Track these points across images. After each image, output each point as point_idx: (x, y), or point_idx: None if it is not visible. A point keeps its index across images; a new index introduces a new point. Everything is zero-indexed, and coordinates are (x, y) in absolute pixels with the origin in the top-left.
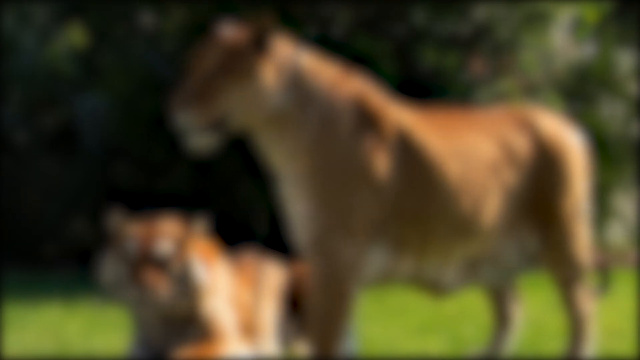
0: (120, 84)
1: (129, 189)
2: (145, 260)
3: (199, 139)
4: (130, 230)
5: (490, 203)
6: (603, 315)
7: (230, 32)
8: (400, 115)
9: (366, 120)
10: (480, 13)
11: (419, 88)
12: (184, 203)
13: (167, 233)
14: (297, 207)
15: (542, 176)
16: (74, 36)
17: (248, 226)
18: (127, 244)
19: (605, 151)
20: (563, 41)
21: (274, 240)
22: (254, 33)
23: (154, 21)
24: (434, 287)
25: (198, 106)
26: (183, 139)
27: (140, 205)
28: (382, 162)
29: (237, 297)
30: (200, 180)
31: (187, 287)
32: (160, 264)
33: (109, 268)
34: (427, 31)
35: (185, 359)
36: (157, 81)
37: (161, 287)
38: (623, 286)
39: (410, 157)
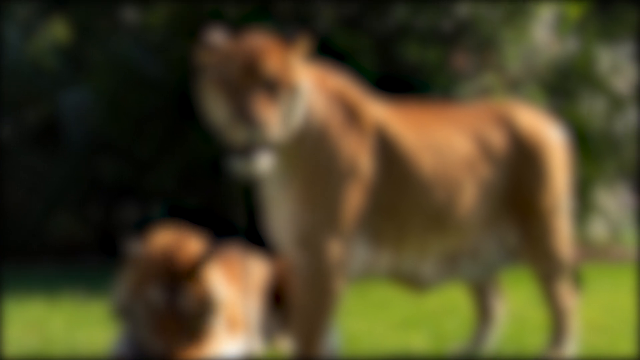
0: (104, 79)
1: (114, 184)
2: (170, 314)
3: (258, 161)
4: (152, 275)
5: (466, 197)
6: (584, 311)
7: (223, 39)
8: (377, 110)
9: (348, 116)
10: (463, 9)
11: (402, 83)
12: (167, 198)
13: (193, 277)
14: (284, 207)
15: (520, 171)
16: (57, 31)
17: (229, 220)
18: (151, 294)
19: (586, 146)
20: (545, 37)
21: (252, 233)
22: (297, 48)
23: (137, 16)
24: (413, 282)
25: (263, 122)
26: (238, 161)
27: (124, 199)
28: (364, 158)
29: (225, 293)
30: (183, 174)
31: (211, 311)
32: (184, 317)
33: (125, 297)
34: (409, 27)
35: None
36: (141, 76)
37: (183, 342)
38: (604, 281)
39: (386, 151)
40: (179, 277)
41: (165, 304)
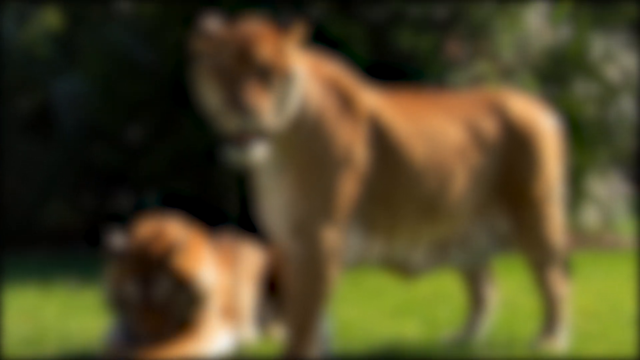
0: (97, 67)
1: (106, 171)
2: (146, 306)
3: (252, 151)
4: (127, 269)
5: (457, 185)
6: (577, 297)
7: (218, 26)
8: (371, 98)
9: (343, 104)
10: None
11: (395, 71)
12: (160, 184)
13: (165, 267)
14: (278, 195)
15: (512, 159)
16: (50, 19)
17: (221, 208)
18: (127, 288)
19: (579, 134)
20: (538, 24)
21: (246, 221)
22: (291, 35)
23: (129, 3)
24: (404, 269)
25: (257, 110)
26: (233, 151)
27: (117, 187)
28: (359, 146)
29: (217, 280)
30: (176, 162)
31: (196, 300)
32: (161, 306)
33: (110, 292)
34: (403, 14)
35: (162, 356)
36: (134, 63)
37: (164, 331)
38: (597, 269)
39: (379, 139)
40: (152, 268)
41: (140, 296)
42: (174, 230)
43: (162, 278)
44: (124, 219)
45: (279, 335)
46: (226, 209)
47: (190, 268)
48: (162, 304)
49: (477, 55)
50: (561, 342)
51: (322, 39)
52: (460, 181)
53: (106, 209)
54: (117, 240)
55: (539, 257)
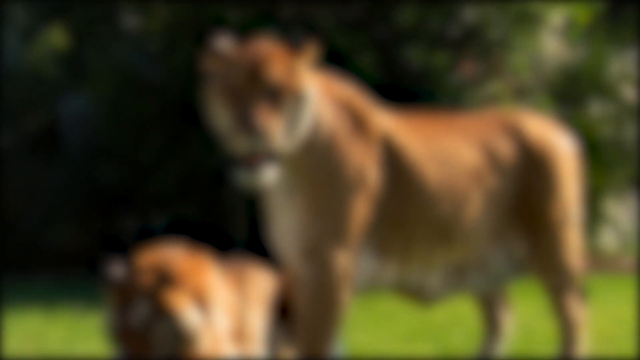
0: (104, 85)
1: (113, 191)
2: (126, 329)
3: (263, 173)
4: (110, 295)
5: (472, 208)
6: (597, 321)
7: (229, 45)
8: (384, 119)
9: (355, 125)
10: (470, 14)
11: (407, 91)
12: (168, 206)
13: (143, 292)
14: (289, 217)
15: (528, 181)
16: (56, 37)
17: (229, 230)
18: (108, 314)
19: (596, 154)
20: (554, 43)
21: (255, 243)
22: (303, 55)
23: (137, 21)
24: (419, 294)
25: (266, 131)
26: (243, 173)
27: (123, 208)
28: (371, 168)
29: (227, 304)
30: (184, 182)
31: (180, 337)
32: (139, 333)
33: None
34: (416, 32)
35: None
36: (142, 82)
37: (147, 355)
38: (616, 292)
39: (393, 161)
40: (135, 294)
41: (118, 320)
42: (173, 263)
43: (141, 304)
44: (128, 243)
45: (290, 358)
46: (234, 231)
47: (176, 302)
48: (139, 331)
49: (492, 74)
50: None
51: (332, 58)
52: (476, 204)
53: (112, 231)
54: (116, 270)
55: (556, 281)
